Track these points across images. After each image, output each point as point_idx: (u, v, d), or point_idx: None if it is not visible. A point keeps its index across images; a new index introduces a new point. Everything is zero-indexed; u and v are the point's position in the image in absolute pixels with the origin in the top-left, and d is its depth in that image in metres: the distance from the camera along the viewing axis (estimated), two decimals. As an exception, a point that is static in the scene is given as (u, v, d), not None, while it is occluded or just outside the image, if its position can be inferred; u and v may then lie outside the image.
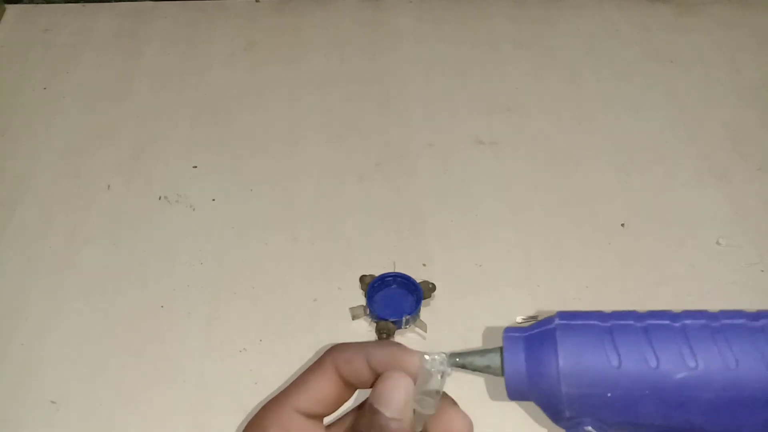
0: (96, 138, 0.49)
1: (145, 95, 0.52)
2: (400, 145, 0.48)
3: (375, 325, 0.38)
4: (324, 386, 0.29)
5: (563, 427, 0.22)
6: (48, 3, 0.59)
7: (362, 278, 0.40)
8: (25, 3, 0.59)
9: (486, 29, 0.57)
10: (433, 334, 0.38)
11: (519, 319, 0.38)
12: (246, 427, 0.29)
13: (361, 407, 0.31)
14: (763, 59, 0.55)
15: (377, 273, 0.39)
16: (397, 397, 0.27)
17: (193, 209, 0.44)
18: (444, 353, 0.30)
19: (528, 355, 0.22)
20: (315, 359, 0.33)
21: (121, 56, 0.55)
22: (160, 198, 0.45)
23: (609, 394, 0.20)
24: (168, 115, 0.50)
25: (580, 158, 0.47)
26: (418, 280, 0.39)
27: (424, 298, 0.38)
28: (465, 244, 0.42)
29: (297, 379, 0.30)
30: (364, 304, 0.38)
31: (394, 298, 0.39)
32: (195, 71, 0.53)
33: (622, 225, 0.43)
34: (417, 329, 0.38)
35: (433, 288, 0.39)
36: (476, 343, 0.37)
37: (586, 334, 0.21)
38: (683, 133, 0.49)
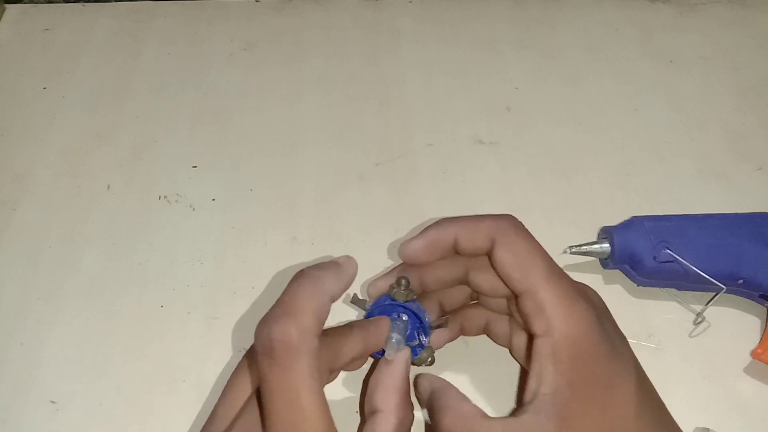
0: (96, 138, 0.49)
1: (144, 95, 0.52)
2: (400, 145, 0.48)
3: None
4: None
5: (651, 259, 0.37)
6: (48, 3, 0.59)
7: (354, 299, 0.34)
8: (25, 3, 0.59)
9: (486, 29, 0.57)
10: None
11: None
12: None
13: None
14: (763, 59, 0.55)
15: (374, 274, 0.39)
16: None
17: (193, 209, 0.44)
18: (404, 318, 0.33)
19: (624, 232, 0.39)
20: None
21: (121, 56, 0.55)
22: (160, 198, 0.45)
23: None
24: (168, 114, 0.50)
25: (580, 158, 0.47)
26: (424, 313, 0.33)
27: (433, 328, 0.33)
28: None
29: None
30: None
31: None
32: (195, 71, 0.53)
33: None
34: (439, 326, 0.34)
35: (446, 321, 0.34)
36: (477, 342, 0.37)
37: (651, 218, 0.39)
38: (683, 133, 0.49)
